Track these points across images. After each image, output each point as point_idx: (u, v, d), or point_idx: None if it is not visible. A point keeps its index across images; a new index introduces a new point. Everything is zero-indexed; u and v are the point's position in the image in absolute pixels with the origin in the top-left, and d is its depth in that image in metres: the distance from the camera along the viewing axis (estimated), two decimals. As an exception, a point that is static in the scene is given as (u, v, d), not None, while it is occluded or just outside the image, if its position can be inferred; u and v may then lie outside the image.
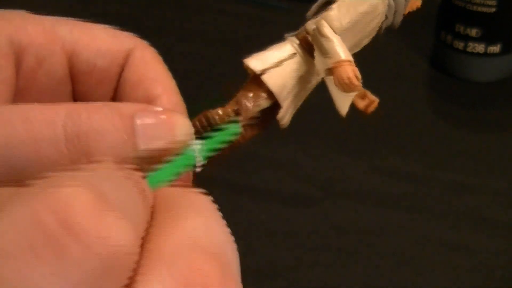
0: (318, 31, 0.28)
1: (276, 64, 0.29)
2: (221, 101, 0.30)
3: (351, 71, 0.28)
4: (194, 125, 0.28)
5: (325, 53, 0.28)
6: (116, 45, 0.29)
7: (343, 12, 0.29)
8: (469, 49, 0.68)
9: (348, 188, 0.57)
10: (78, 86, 0.29)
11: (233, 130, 0.28)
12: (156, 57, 0.30)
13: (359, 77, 0.28)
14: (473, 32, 0.67)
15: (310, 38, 0.29)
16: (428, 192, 0.57)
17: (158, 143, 0.24)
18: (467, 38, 0.67)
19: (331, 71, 0.28)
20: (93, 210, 0.15)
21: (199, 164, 0.25)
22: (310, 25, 0.29)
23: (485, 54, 0.68)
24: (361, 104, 0.29)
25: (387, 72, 0.71)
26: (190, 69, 0.70)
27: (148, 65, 0.29)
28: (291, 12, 0.82)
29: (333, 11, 0.28)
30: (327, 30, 0.28)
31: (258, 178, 0.57)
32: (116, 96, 0.29)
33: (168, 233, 0.18)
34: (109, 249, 0.15)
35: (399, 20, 0.30)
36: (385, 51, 0.75)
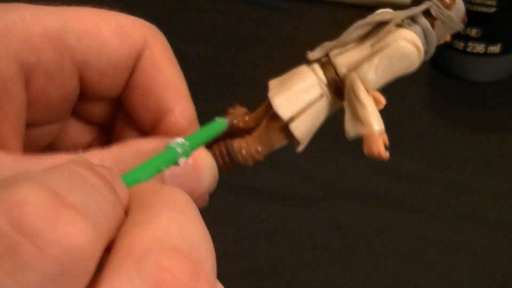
0: (353, 92, 0.28)
1: (303, 109, 0.28)
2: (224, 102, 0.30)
3: (381, 145, 0.27)
4: (214, 154, 0.28)
5: (357, 117, 0.28)
6: (127, 47, 0.27)
7: (381, 75, 0.28)
8: (469, 49, 0.68)
9: (348, 188, 0.57)
10: (87, 91, 0.28)
11: (218, 126, 0.28)
12: (167, 53, 0.29)
13: (387, 143, 0.28)
14: (473, 32, 0.67)
15: (338, 80, 0.28)
16: (428, 192, 0.57)
17: (185, 189, 0.25)
18: (467, 38, 0.67)
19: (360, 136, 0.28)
20: (48, 210, 0.15)
21: (182, 161, 0.24)
22: (341, 66, 0.28)
23: (485, 54, 0.68)
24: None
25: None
26: (190, 69, 0.70)
27: (159, 68, 0.28)
28: (291, 12, 0.82)
29: (371, 75, 0.27)
30: (362, 95, 0.27)
31: (258, 178, 0.57)
32: (125, 99, 0.29)
33: (138, 230, 0.17)
34: (65, 250, 0.15)
35: (431, 54, 0.29)
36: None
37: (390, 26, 0.27)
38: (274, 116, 0.29)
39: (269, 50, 0.75)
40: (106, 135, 0.31)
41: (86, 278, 0.16)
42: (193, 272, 0.17)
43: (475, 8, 0.66)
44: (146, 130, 0.29)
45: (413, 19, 0.28)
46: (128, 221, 0.18)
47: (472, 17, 0.66)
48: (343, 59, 0.28)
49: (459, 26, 0.28)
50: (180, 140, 0.25)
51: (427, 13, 0.28)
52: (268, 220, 0.54)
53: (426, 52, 0.28)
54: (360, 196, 0.56)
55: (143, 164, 0.23)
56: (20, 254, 0.15)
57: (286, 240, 0.53)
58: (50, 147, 0.30)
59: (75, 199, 0.16)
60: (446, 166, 0.60)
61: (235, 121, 0.31)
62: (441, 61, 0.70)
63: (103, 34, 0.27)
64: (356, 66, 0.28)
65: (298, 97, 0.28)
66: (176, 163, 0.24)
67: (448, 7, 0.28)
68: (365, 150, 0.28)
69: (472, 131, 0.63)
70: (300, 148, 0.29)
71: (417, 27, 0.28)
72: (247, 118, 0.31)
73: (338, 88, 0.28)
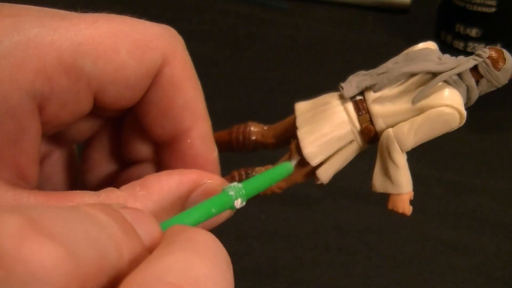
0: (388, 152, 0.27)
1: (332, 155, 0.28)
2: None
3: (407, 205, 0.27)
4: (233, 180, 0.28)
5: (388, 176, 0.27)
6: (145, 67, 0.26)
7: (418, 137, 0.27)
8: (469, 49, 0.68)
9: (348, 188, 0.57)
10: (100, 108, 0.27)
11: (284, 170, 0.27)
12: (186, 70, 0.27)
13: (412, 198, 0.27)
14: (473, 32, 0.67)
15: (373, 130, 0.27)
16: (428, 192, 0.57)
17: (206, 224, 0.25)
18: (467, 38, 0.67)
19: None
20: (18, 233, 0.15)
21: (238, 206, 0.24)
22: (379, 118, 0.27)
23: (485, 54, 0.68)
24: None
25: (387, 72, 0.71)
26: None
27: (177, 87, 0.27)
28: (291, 12, 0.82)
29: (410, 138, 0.26)
30: (397, 157, 0.27)
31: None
32: (139, 112, 0.28)
33: (144, 267, 0.17)
34: (27, 268, 0.15)
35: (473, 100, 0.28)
36: (385, 51, 0.75)
37: (436, 83, 0.26)
38: (301, 160, 0.28)
39: (269, 50, 0.75)
40: (114, 127, 0.31)
41: None
42: None
43: (475, 8, 0.66)
44: (157, 142, 0.29)
45: (459, 75, 0.26)
46: (144, 260, 0.18)
47: (472, 17, 0.66)
48: (380, 110, 0.27)
49: (503, 84, 0.27)
50: (234, 184, 0.24)
51: (474, 68, 0.27)
52: (268, 220, 0.54)
53: (465, 104, 0.27)
54: (360, 196, 0.56)
55: (194, 208, 0.22)
56: None
57: (286, 240, 0.53)
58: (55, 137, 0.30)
59: (56, 228, 0.16)
60: (446, 166, 0.60)
61: (253, 137, 0.31)
62: (441, 61, 0.70)
63: (120, 55, 0.25)
64: (393, 121, 0.27)
65: (329, 144, 0.27)
66: (232, 207, 0.24)
67: (497, 67, 0.26)
68: (390, 206, 0.27)
69: (471, 131, 0.63)
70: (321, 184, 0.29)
71: (462, 85, 0.27)
72: (265, 128, 0.31)
73: (371, 137, 0.27)
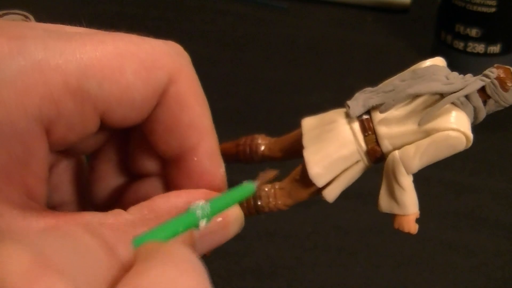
0: (393, 175, 0.27)
1: (338, 175, 0.28)
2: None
3: (413, 225, 0.27)
4: (241, 206, 0.28)
5: (393, 197, 0.27)
6: (151, 87, 0.26)
7: (425, 160, 0.26)
8: (469, 49, 0.68)
9: (348, 188, 0.56)
10: (107, 127, 0.27)
11: (246, 191, 0.27)
12: (193, 89, 0.27)
13: (418, 216, 0.27)
14: (473, 32, 0.67)
15: (379, 151, 0.27)
16: (428, 192, 0.57)
17: (213, 244, 0.25)
18: (467, 38, 0.67)
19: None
20: (28, 272, 0.15)
21: (202, 225, 0.24)
22: (385, 140, 0.27)
23: (485, 54, 0.68)
24: None
25: (387, 72, 0.70)
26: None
27: (184, 106, 0.27)
28: (291, 12, 0.82)
29: (416, 162, 0.26)
30: (403, 180, 0.27)
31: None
32: (145, 128, 0.28)
33: (127, 282, 0.17)
34: None
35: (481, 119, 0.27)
36: (385, 51, 0.75)
37: (443, 105, 0.26)
38: (307, 179, 0.28)
39: (269, 50, 0.75)
40: (121, 140, 0.31)
41: None
42: None
43: (475, 8, 0.66)
44: (164, 158, 0.29)
45: (466, 96, 0.26)
46: (124, 276, 0.18)
47: (472, 17, 0.66)
48: (387, 131, 0.27)
49: (510, 104, 0.27)
50: (202, 203, 0.24)
51: (481, 89, 0.26)
52: (268, 220, 0.54)
53: (472, 124, 0.27)
54: (360, 196, 0.56)
55: (162, 226, 0.22)
56: None
57: (286, 240, 0.53)
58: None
59: (61, 261, 0.16)
60: (446, 166, 0.60)
61: (260, 151, 0.30)
62: (441, 61, 0.70)
63: (126, 76, 0.25)
64: (400, 143, 0.26)
65: (335, 165, 0.27)
66: (196, 226, 0.24)
67: (505, 88, 0.26)
68: (396, 225, 0.27)
69: (472, 131, 0.63)
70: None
71: (469, 106, 0.26)
72: (273, 141, 0.31)
73: (377, 158, 0.27)
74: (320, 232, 0.53)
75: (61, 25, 0.27)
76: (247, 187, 0.27)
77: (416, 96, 0.26)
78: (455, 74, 0.27)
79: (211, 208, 0.24)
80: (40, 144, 0.25)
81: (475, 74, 0.27)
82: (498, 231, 0.54)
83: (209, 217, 0.24)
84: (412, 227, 0.27)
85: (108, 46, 0.25)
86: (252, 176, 0.27)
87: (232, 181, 0.28)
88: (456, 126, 0.26)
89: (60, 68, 0.24)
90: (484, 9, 0.66)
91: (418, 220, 0.56)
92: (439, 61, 0.28)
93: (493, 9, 0.66)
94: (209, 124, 0.28)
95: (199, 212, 0.24)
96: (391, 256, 0.52)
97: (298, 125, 0.31)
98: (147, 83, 0.26)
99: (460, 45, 0.68)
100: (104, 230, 0.20)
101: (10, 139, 0.24)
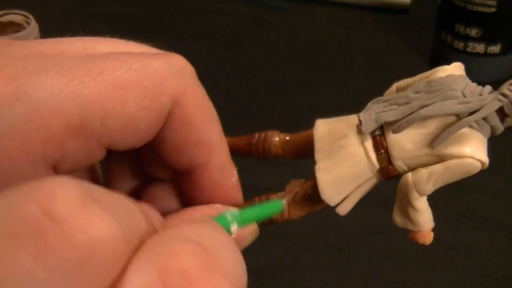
0: (406, 198, 0.26)
1: (350, 192, 0.27)
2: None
3: (428, 237, 0.27)
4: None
5: (407, 217, 0.27)
6: (155, 115, 0.25)
7: (437, 185, 0.26)
8: (469, 49, 0.68)
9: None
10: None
11: (274, 208, 0.27)
12: (199, 107, 0.27)
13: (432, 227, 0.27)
14: (473, 32, 0.67)
15: (392, 170, 0.27)
16: (428, 192, 0.57)
17: None
18: (467, 38, 0.67)
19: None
20: (78, 202, 0.16)
21: (234, 231, 0.24)
22: (398, 161, 0.26)
23: (485, 54, 0.68)
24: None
25: (387, 72, 0.71)
26: (190, 69, 0.70)
27: (190, 126, 0.26)
28: (291, 12, 0.82)
29: (429, 187, 0.25)
30: (417, 203, 0.26)
31: (258, 178, 0.57)
32: (156, 148, 0.28)
33: (160, 233, 0.18)
34: (88, 237, 0.15)
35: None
36: (385, 51, 0.75)
37: (458, 129, 0.25)
38: (320, 195, 0.27)
39: (269, 50, 0.75)
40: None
41: (108, 276, 0.16)
42: (207, 263, 0.17)
43: (475, 8, 0.66)
44: (175, 169, 0.29)
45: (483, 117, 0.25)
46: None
47: (472, 17, 0.66)
48: (400, 152, 0.26)
49: None
50: (234, 211, 0.24)
51: (499, 108, 0.25)
52: (268, 220, 0.54)
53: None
54: (360, 196, 0.56)
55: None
56: (47, 238, 0.15)
57: (286, 240, 0.53)
58: None
59: (107, 202, 0.17)
60: (446, 166, 0.60)
61: (274, 151, 0.31)
62: (441, 61, 0.70)
63: (128, 108, 0.25)
64: (413, 163, 0.26)
65: (347, 185, 0.27)
66: (228, 231, 0.24)
67: None
68: (410, 237, 0.27)
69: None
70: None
71: (486, 127, 0.26)
72: (287, 138, 0.31)
73: (390, 176, 0.27)
74: (320, 232, 0.53)
75: (58, 41, 0.26)
76: (276, 204, 0.27)
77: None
78: (472, 87, 0.26)
79: (241, 218, 0.24)
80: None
81: (475, 74, 0.27)
82: (498, 231, 0.54)
83: (240, 225, 0.24)
84: (427, 240, 0.27)
85: (108, 78, 0.24)
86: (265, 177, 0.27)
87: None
88: (471, 153, 0.25)
89: (60, 110, 0.23)
90: (484, 9, 0.66)
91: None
92: (457, 68, 0.28)
93: (493, 9, 0.66)
94: (218, 137, 0.27)
95: (230, 218, 0.24)
96: (391, 256, 0.52)
97: (298, 125, 0.31)
98: (150, 111, 0.25)
99: (460, 45, 0.68)
100: (144, 207, 0.20)
101: (17, 183, 0.24)
